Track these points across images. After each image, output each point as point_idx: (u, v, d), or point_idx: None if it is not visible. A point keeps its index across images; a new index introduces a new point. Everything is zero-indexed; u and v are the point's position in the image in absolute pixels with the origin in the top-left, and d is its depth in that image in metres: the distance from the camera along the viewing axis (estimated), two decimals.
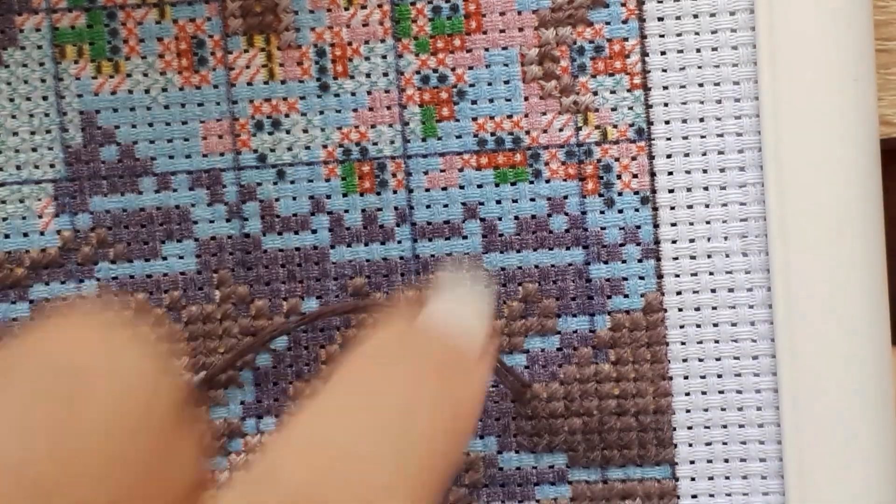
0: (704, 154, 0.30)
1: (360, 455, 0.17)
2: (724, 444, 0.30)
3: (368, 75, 0.30)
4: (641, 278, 0.30)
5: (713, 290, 0.30)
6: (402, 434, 0.18)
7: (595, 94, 0.30)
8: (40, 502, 0.15)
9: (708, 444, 0.30)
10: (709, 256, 0.30)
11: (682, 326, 0.30)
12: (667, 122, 0.30)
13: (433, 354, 0.19)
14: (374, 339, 0.19)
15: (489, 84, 0.30)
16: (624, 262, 0.30)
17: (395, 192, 0.30)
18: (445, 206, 0.30)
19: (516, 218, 0.30)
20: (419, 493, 0.17)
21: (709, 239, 0.30)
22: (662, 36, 0.29)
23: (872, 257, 0.29)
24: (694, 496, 0.30)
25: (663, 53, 0.29)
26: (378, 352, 0.19)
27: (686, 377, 0.30)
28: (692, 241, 0.30)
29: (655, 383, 0.30)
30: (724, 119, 0.29)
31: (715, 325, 0.30)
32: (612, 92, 0.30)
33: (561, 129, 0.30)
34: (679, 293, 0.30)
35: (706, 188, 0.30)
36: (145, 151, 0.30)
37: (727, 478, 0.30)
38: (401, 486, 0.17)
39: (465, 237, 0.30)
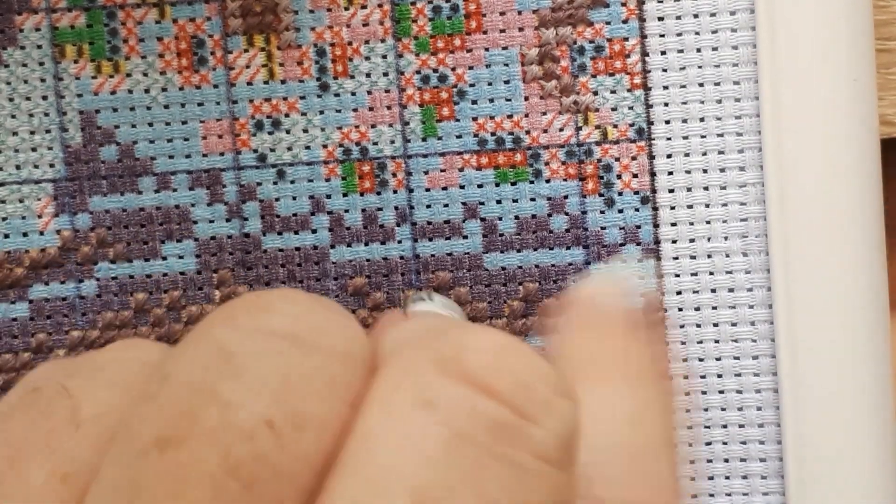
0: (705, 154, 0.30)
1: None
2: (724, 444, 0.30)
3: (368, 75, 0.30)
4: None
5: (713, 290, 0.30)
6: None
7: (595, 93, 0.30)
8: None
9: (708, 443, 0.30)
10: (709, 256, 0.30)
11: (681, 326, 0.30)
12: (667, 122, 0.30)
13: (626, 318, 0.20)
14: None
15: (489, 84, 0.30)
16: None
17: (395, 191, 0.30)
18: (446, 205, 0.30)
19: (517, 218, 0.30)
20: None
21: (709, 239, 0.30)
22: (663, 36, 0.29)
23: (873, 257, 0.29)
24: (694, 496, 0.30)
25: (663, 53, 0.29)
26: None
27: (686, 377, 0.30)
28: (692, 241, 0.30)
29: None
30: (725, 119, 0.29)
31: (715, 325, 0.30)
32: (613, 92, 0.30)
33: (561, 129, 0.30)
34: (679, 293, 0.30)
35: (706, 188, 0.30)
36: (145, 151, 0.30)
37: (727, 478, 0.30)
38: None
39: (465, 237, 0.30)
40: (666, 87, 0.29)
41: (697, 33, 0.29)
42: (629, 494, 0.17)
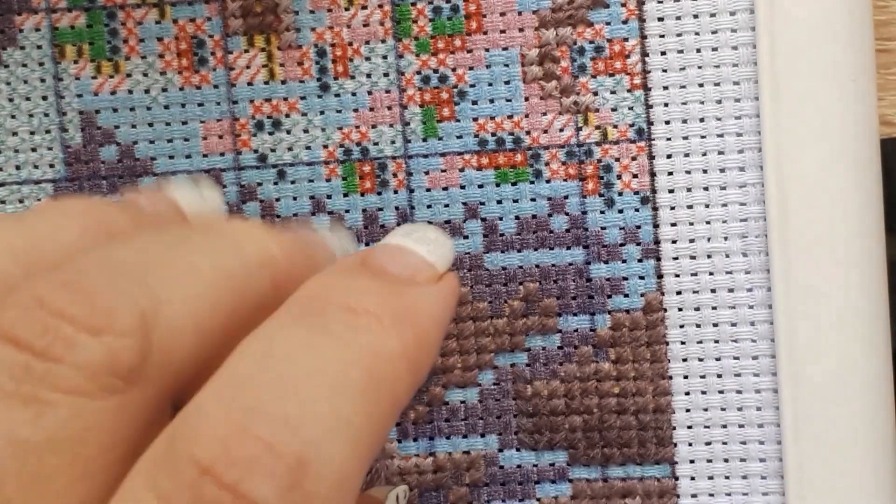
0: (704, 154, 0.30)
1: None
2: (724, 443, 0.30)
3: (369, 75, 0.30)
4: (641, 278, 0.30)
5: (713, 290, 0.30)
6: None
7: (595, 94, 0.30)
8: None
9: (708, 443, 0.30)
10: (709, 256, 0.30)
11: (681, 326, 0.30)
12: (667, 122, 0.30)
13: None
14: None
15: (490, 84, 0.30)
16: (624, 261, 0.30)
17: (396, 192, 0.30)
18: (446, 206, 0.30)
19: (517, 218, 0.30)
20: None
21: (709, 239, 0.30)
22: (662, 36, 0.29)
23: (872, 257, 0.29)
24: (693, 495, 0.31)
25: (663, 53, 0.29)
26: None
27: (686, 377, 0.30)
28: (692, 241, 0.30)
29: (655, 382, 0.30)
30: (724, 119, 0.29)
31: (715, 324, 0.30)
32: (613, 92, 0.30)
33: (561, 130, 0.30)
34: (679, 293, 0.30)
35: (706, 188, 0.30)
36: (145, 151, 0.30)
37: (727, 477, 0.30)
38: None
39: (466, 237, 0.30)
40: (666, 88, 0.29)
41: (697, 33, 0.29)
42: None
